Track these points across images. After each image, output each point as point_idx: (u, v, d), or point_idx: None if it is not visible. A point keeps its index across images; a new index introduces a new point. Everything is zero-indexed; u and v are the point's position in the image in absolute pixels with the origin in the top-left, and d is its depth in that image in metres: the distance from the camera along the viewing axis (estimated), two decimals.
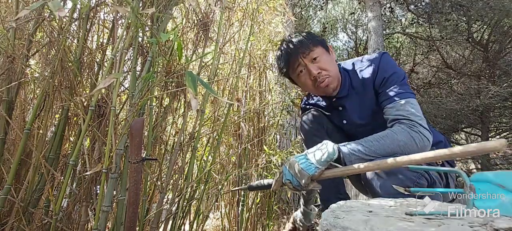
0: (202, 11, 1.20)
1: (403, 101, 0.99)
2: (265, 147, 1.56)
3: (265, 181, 1.04)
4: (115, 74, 0.78)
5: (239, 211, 1.52)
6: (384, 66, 1.06)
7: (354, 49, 7.40)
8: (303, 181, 0.86)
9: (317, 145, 0.91)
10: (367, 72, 1.10)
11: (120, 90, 0.99)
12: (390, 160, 0.76)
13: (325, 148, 0.89)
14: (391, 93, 1.02)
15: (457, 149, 0.70)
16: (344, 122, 1.18)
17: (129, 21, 0.89)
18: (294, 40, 1.11)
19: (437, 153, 0.73)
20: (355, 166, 0.82)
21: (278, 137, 2.12)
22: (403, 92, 1.00)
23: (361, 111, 1.12)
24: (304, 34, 1.13)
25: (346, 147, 0.91)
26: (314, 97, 1.30)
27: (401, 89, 1.00)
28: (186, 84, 0.69)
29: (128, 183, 0.90)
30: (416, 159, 0.73)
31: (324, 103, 1.25)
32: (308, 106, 1.31)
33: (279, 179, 0.93)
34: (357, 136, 1.12)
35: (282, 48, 1.14)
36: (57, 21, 0.96)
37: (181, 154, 1.13)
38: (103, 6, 1.06)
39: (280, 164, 1.55)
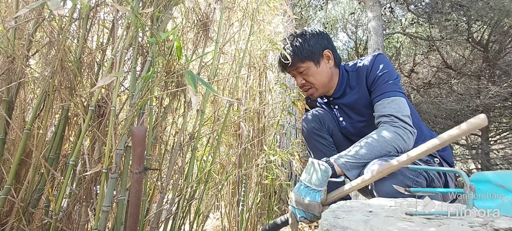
0: (202, 11, 1.20)
1: (390, 99, 1.03)
2: (265, 147, 1.56)
3: (280, 219, 1.03)
4: (115, 73, 0.78)
5: (239, 211, 1.52)
6: (377, 65, 1.11)
7: (354, 49, 7.40)
8: (316, 211, 0.86)
9: (307, 167, 0.92)
10: (362, 71, 1.17)
11: (120, 90, 0.99)
12: (387, 164, 0.77)
13: (317, 168, 0.89)
14: (380, 91, 1.07)
15: (444, 135, 0.70)
16: (341, 119, 1.22)
17: (129, 21, 0.89)
18: (286, 52, 1.18)
19: (428, 145, 0.73)
20: (359, 180, 0.81)
21: (278, 137, 2.12)
22: (391, 91, 1.05)
23: (358, 107, 1.16)
24: (293, 48, 1.15)
25: (340, 159, 0.93)
26: None
27: (390, 88, 1.05)
28: (186, 82, 0.70)
29: (128, 182, 0.90)
30: (411, 156, 0.73)
31: (325, 99, 1.30)
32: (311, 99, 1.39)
33: (293, 222, 0.93)
34: (356, 133, 1.15)
35: (279, 55, 1.24)
36: (57, 21, 0.96)
37: (181, 154, 1.13)
38: (103, 6, 1.06)
39: (280, 164, 1.56)
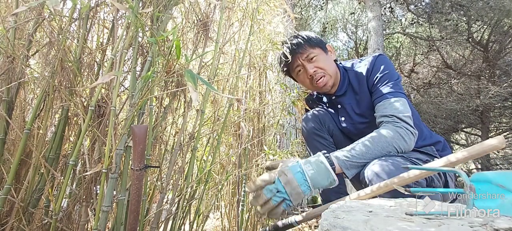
0: (202, 11, 1.20)
1: (392, 100, 1.03)
2: (265, 147, 1.56)
3: (281, 222, 0.96)
4: (114, 72, 0.78)
5: (239, 211, 1.52)
6: (378, 66, 1.11)
7: (354, 49, 7.40)
8: (296, 202, 0.82)
9: (311, 158, 0.90)
10: (363, 71, 1.15)
11: (120, 90, 0.99)
12: (396, 179, 0.76)
13: (323, 174, 0.85)
14: (382, 92, 1.07)
15: (453, 156, 0.70)
16: (342, 119, 1.22)
17: (129, 21, 0.89)
18: (293, 42, 1.16)
19: (444, 161, 0.72)
20: (368, 190, 0.80)
21: (278, 137, 2.12)
22: (393, 91, 1.04)
23: (359, 108, 1.16)
24: (303, 36, 1.17)
25: (341, 157, 0.92)
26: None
27: (391, 89, 1.05)
28: (186, 80, 0.70)
29: (128, 182, 0.90)
30: (415, 174, 0.73)
31: (325, 99, 1.29)
32: (313, 98, 1.38)
33: (260, 191, 0.83)
34: (358, 134, 1.15)
35: (283, 49, 1.21)
36: (57, 21, 0.96)
37: (181, 154, 1.13)
38: (103, 6, 1.06)
39: None
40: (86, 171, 0.86)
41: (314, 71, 1.15)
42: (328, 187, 0.86)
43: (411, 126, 0.99)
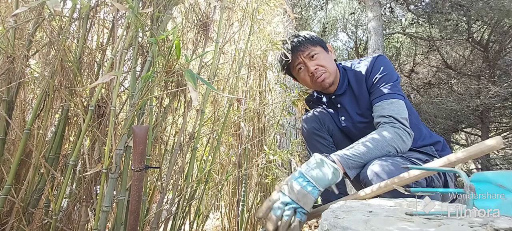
0: (202, 11, 1.20)
1: (389, 101, 1.04)
2: (265, 147, 1.56)
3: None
4: (114, 72, 0.78)
5: (239, 211, 1.52)
6: (377, 67, 1.11)
7: (354, 49, 7.40)
8: (308, 207, 0.79)
9: (310, 160, 0.89)
10: (362, 72, 1.16)
11: (120, 90, 0.99)
12: (396, 179, 0.76)
13: (326, 171, 0.85)
14: (380, 93, 1.08)
15: (453, 156, 0.70)
16: (343, 118, 1.22)
17: (129, 21, 0.89)
18: (294, 40, 1.16)
19: (444, 160, 0.72)
20: (368, 190, 0.79)
21: (278, 137, 2.12)
22: (391, 93, 1.05)
23: (359, 108, 1.17)
24: (304, 34, 1.18)
25: (341, 157, 0.92)
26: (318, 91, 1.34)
27: (390, 90, 1.05)
28: (186, 79, 0.70)
29: (128, 182, 0.90)
30: (415, 174, 0.73)
31: (325, 99, 1.30)
32: (313, 98, 1.38)
33: (267, 208, 0.81)
34: (358, 134, 1.15)
35: (283, 48, 1.21)
36: (57, 21, 0.96)
37: (181, 154, 1.13)
38: (103, 6, 1.06)
39: (280, 164, 1.56)
40: (86, 171, 0.86)
41: (316, 68, 1.16)
42: (333, 181, 0.85)
43: (407, 127, 1.01)
